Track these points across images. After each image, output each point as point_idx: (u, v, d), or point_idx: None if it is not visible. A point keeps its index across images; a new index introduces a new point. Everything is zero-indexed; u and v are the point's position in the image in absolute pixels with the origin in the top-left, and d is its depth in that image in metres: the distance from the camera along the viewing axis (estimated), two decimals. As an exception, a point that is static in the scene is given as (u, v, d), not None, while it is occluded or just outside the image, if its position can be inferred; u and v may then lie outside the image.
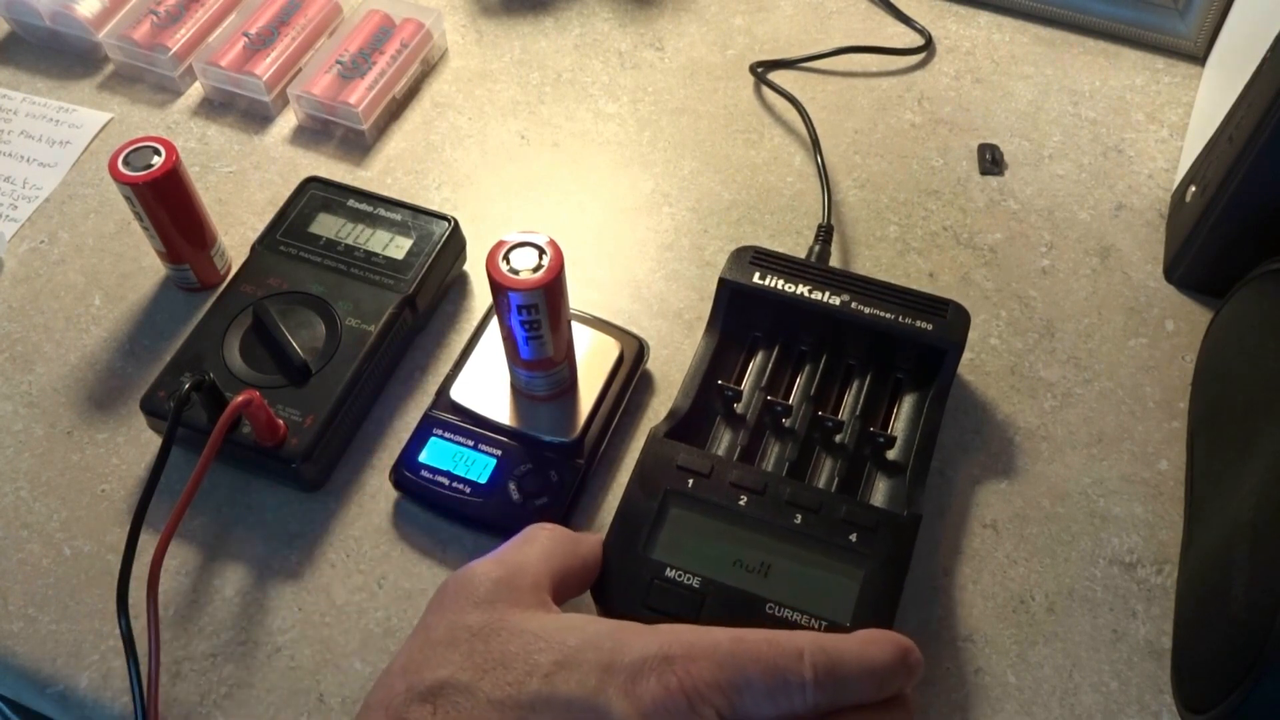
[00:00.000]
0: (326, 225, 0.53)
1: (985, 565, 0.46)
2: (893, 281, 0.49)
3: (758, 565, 0.42)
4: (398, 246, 0.53)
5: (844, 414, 0.49)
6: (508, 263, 0.42)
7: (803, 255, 0.52)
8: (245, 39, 0.64)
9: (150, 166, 0.49)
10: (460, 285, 0.56)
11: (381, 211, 0.54)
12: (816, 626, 0.40)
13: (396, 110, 0.64)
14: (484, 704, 0.31)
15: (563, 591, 0.38)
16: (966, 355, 0.52)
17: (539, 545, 0.39)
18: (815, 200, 0.59)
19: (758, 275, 0.50)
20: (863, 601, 0.41)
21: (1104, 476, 0.49)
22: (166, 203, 0.50)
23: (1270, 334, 0.44)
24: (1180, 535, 0.47)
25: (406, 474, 0.47)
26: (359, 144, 0.62)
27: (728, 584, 0.41)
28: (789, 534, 0.43)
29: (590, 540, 0.41)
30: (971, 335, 0.49)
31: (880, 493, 0.46)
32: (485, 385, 0.49)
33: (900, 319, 0.48)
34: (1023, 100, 0.64)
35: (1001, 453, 0.50)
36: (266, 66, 0.63)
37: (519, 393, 0.48)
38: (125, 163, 0.49)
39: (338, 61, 0.63)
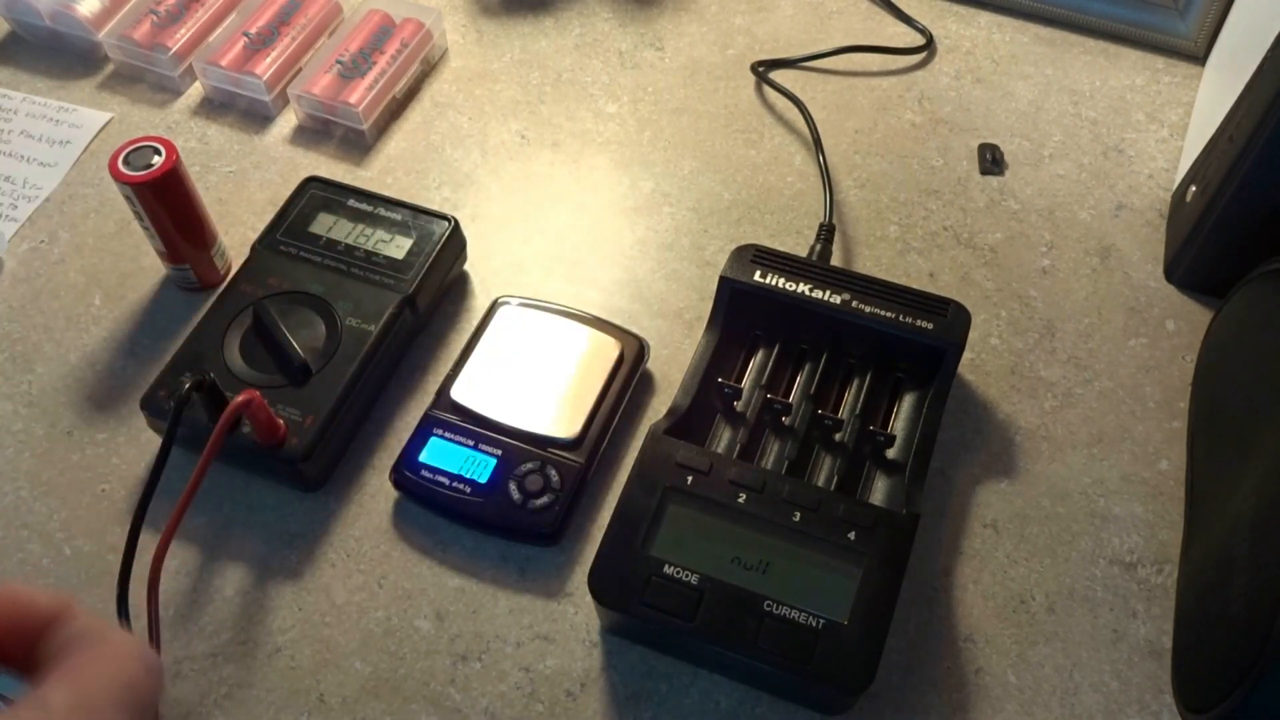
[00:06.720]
0: (326, 225, 0.53)
1: (985, 565, 0.46)
2: (893, 281, 0.49)
3: (756, 563, 0.42)
4: (398, 246, 0.53)
5: (844, 412, 0.48)
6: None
7: (802, 255, 0.52)
8: (245, 39, 0.64)
9: (150, 166, 0.49)
10: (460, 285, 0.56)
11: (381, 211, 0.54)
12: (815, 624, 0.40)
13: (397, 110, 0.64)
14: None
15: None
16: (966, 355, 0.52)
17: None
18: (815, 200, 0.59)
19: (759, 273, 0.50)
20: (861, 599, 0.41)
21: (1104, 476, 0.49)
22: (166, 203, 0.50)
23: (1270, 334, 0.44)
24: (1180, 535, 0.47)
25: (406, 474, 0.47)
26: (359, 144, 0.62)
27: (726, 581, 0.41)
28: (788, 532, 0.43)
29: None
30: (971, 335, 0.49)
31: (879, 491, 0.46)
32: (485, 385, 0.49)
33: (901, 318, 0.48)
34: (1023, 100, 0.64)
35: (1001, 453, 0.50)
36: (267, 66, 0.63)
37: None
38: (125, 162, 0.49)
39: (338, 61, 0.63)
